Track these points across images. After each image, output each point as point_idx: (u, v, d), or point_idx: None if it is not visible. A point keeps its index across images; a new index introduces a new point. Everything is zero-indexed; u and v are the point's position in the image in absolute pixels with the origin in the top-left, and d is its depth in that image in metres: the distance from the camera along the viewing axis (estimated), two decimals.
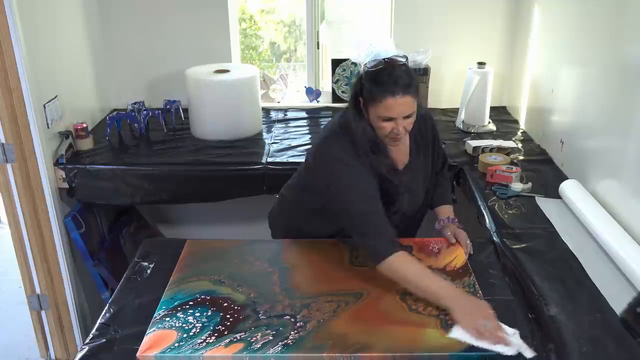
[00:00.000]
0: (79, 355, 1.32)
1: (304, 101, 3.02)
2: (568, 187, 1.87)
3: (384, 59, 1.51)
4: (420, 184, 1.72)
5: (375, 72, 1.50)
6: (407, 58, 1.54)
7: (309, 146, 2.45)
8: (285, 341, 1.29)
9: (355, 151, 1.56)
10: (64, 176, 2.28)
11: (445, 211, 1.80)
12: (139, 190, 2.30)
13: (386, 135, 1.54)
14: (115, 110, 2.87)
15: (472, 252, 1.66)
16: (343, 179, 1.55)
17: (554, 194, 1.93)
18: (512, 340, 1.28)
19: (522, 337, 1.33)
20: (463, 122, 2.61)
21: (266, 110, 2.89)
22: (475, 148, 2.26)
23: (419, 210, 1.79)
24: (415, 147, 1.70)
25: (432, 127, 1.75)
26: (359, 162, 1.56)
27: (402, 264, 1.45)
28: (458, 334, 1.30)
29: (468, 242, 1.68)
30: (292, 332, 1.32)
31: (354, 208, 1.53)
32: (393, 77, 1.47)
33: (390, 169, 1.61)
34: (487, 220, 1.83)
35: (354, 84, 1.59)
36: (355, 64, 2.83)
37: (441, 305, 1.37)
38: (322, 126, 2.73)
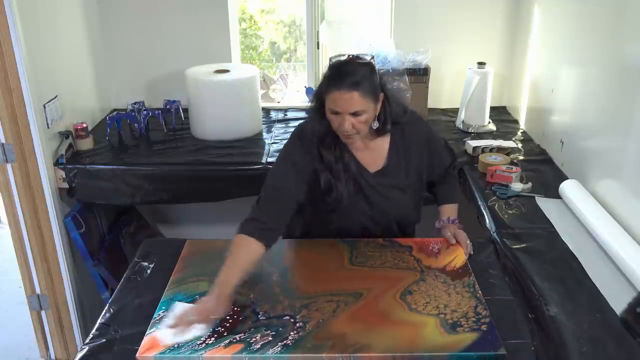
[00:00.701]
0: (79, 355, 1.32)
1: (304, 101, 3.02)
2: (568, 187, 1.87)
3: (348, 55, 1.54)
4: (397, 191, 1.69)
5: (332, 65, 1.54)
6: (372, 57, 1.56)
7: None
8: (285, 341, 1.29)
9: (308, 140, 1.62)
10: (64, 176, 2.28)
11: (447, 211, 1.79)
12: (139, 190, 2.30)
13: (337, 129, 1.56)
14: (115, 110, 2.87)
15: (472, 253, 1.66)
16: (281, 152, 1.69)
17: (554, 194, 1.92)
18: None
19: (522, 337, 1.33)
20: (463, 122, 2.61)
21: (266, 110, 2.89)
22: (475, 148, 2.26)
23: (407, 218, 1.77)
24: (394, 154, 1.68)
25: (425, 133, 1.72)
26: (304, 151, 1.61)
27: (233, 244, 1.48)
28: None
29: (468, 242, 1.68)
30: (291, 333, 1.32)
31: (267, 178, 1.62)
32: (343, 71, 1.49)
33: (339, 168, 1.62)
34: (487, 220, 1.83)
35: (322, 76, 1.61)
36: None
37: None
38: None
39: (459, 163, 2.14)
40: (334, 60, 1.55)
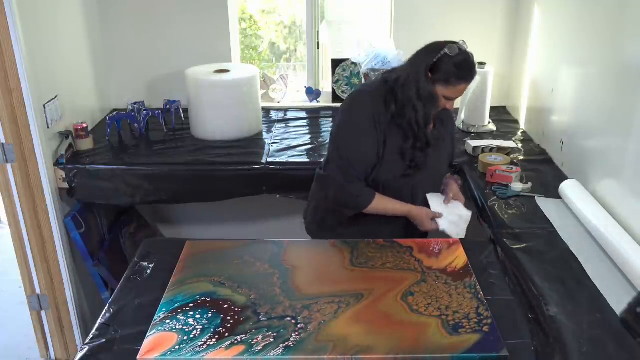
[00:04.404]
0: (79, 355, 1.32)
1: (304, 101, 3.02)
2: (568, 187, 1.87)
3: (463, 48, 1.69)
4: (433, 158, 1.82)
5: (460, 59, 1.67)
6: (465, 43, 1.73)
7: (309, 146, 2.46)
8: (287, 343, 1.29)
9: (385, 106, 1.73)
10: (64, 176, 2.28)
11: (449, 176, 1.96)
12: (139, 190, 2.30)
13: (441, 107, 1.76)
14: (115, 110, 2.87)
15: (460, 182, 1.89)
16: (352, 114, 1.78)
17: (554, 194, 1.93)
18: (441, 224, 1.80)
19: (522, 337, 1.33)
20: (463, 122, 2.61)
21: (266, 110, 2.89)
22: (475, 148, 2.26)
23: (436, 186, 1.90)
24: (436, 129, 1.84)
25: (450, 119, 1.92)
26: (376, 118, 1.73)
27: (376, 204, 1.80)
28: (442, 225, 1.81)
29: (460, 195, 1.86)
30: (293, 334, 1.32)
31: (342, 145, 1.78)
32: (472, 67, 1.69)
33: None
34: (487, 220, 1.83)
35: (426, 56, 1.69)
36: (355, 63, 2.82)
37: (404, 214, 1.82)
38: (322, 126, 2.74)
39: (457, 163, 2.23)
40: (454, 53, 1.65)
